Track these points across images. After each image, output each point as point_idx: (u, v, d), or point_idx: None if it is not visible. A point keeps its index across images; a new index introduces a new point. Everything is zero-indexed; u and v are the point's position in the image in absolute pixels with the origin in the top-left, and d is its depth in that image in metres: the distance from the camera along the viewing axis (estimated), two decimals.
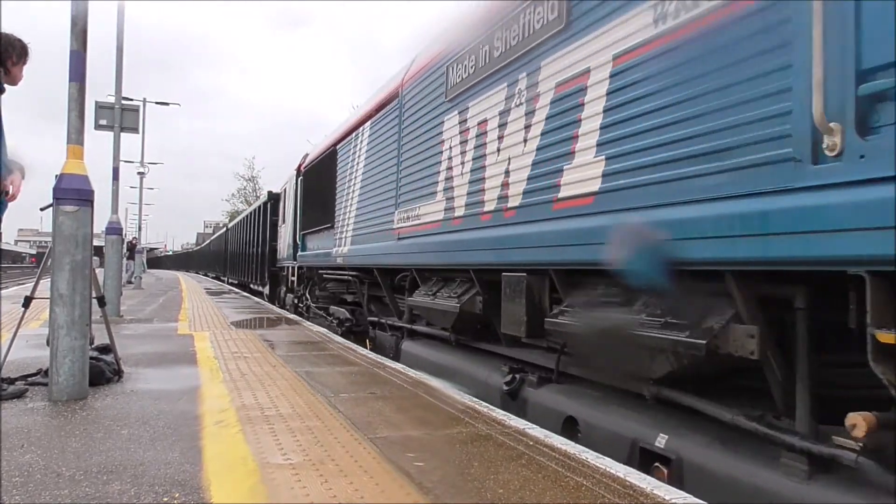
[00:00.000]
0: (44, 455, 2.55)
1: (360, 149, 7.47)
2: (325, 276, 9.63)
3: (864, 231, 1.84)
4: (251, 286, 18.94)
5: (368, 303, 7.97)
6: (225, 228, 32.01)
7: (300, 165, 11.41)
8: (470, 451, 2.76)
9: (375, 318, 7.66)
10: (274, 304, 13.93)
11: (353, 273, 7.95)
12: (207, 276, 36.59)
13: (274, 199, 15.64)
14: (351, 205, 7.70)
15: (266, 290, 16.25)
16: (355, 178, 7.60)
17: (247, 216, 21.12)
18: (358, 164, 7.54)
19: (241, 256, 21.86)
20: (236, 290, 20.36)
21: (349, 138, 8.05)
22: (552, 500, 2.21)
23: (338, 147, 8.58)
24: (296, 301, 12.05)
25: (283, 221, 13.44)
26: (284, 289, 13.74)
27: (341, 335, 7.78)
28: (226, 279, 27.41)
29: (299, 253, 11.11)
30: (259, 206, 17.89)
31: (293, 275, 12.21)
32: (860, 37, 1.92)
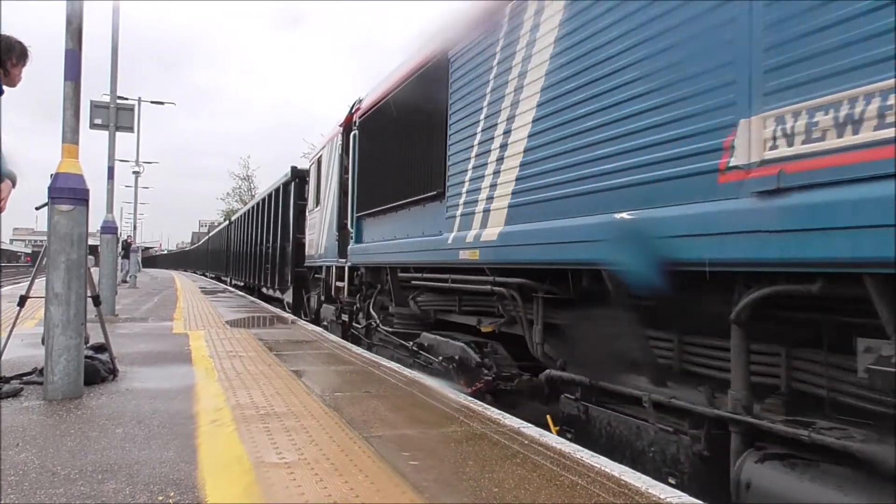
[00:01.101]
0: (39, 454, 2.55)
1: (544, 34, 3.69)
2: (413, 283, 6.06)
3: None
4: (263, 290, 15.36)
5: (543, 338, 4.05)
6: (227, 221, 28.05)
7: (351, 116, 7.86)
8: (465, 450, 2.77)
9: (581, 378, 3.66)
10: (300, 318, 10.51)
11: (503, 280, 4.31)
12: (206, 276, 36.25)
13: (299, 177, 12.09)
14: (502, 148, 4.12)
15: (288, 298, 12.45)
16: (521, 95, 3.94)
17: (257, 204, 17.31)
18: (534, 67, 3.80)
19: (249, 254, 18.15)
20: (231, 289, 20.28)
21: (492, 30, 4.41)
22: (547, 499, 2.22)
23: (451, 56, 5.02)
24: (344, 318, 8.52)
25: (317, 204, 9.88)
26: (318, 297, 10.19)
27: (471, 395, 4.29)
28: (228, 280, 24.09)
29: (352, 246, 7.53)
30: (277, 189, 13.89)
31: (340, 279, 8.44)
32: None
